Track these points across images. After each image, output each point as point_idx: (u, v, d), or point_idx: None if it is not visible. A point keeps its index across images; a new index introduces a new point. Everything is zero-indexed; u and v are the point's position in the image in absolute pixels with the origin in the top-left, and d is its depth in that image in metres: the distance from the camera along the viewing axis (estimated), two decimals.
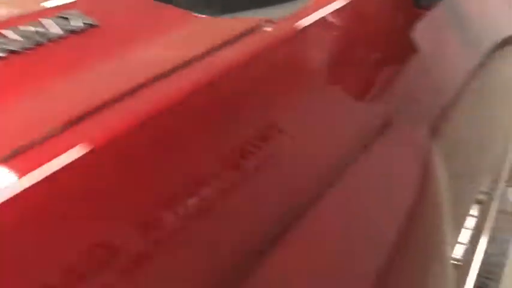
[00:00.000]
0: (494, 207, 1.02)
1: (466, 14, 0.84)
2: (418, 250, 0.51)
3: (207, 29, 0.40)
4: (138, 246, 0.26)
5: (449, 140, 0.62)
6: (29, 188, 0.23)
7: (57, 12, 0.37)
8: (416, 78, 0.60)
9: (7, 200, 0.22)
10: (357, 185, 0.43)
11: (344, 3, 0.48)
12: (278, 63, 0.39)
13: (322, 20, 0.45)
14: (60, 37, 0.35)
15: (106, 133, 0.27)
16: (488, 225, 0.96)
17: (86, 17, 0.38)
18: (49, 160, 0.24)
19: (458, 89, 0.69)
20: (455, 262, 0.70)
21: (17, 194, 0.22)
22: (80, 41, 0.35)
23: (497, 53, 0.95)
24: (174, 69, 0.32)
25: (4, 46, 0.33)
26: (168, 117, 0.30)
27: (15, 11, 0.40)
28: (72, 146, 0.25)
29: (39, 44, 0.34)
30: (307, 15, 0.43)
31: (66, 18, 0.37)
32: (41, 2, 0.41)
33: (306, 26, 0.42)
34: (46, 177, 0.24)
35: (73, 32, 0.36)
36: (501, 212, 1.40)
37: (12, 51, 0.33)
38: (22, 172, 0.23)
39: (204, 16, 0.42)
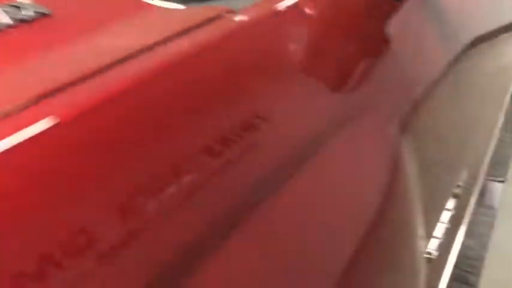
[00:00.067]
0: (472, 201, 1.03)
1: (443, 8, 0.84)
2: (386, 244, 0.51)
3: (163, 18, 0.39)
4: (104, 228, 0.26)
5: (420, 134, 0.62)
6: None
7: (9, 1, 0.36)
8: (389, 71, 0.60)
9: None
10: (320, 178, 0.42)
11: None
12: (237, 52, 0.39)
13: (286, 10, 0.44)
14: (8, 26, 0.34)
15: (70, 109, 0.27)
16: (466, 219, 0.96)
17: (38, 6, 0.36)
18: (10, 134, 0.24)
19: (433, 84, 0.69)
20: (429, 256, 0.70)
21: None
22: (28, 30, 0.34)
23: (474, 49, 0.95)
24: (123, 59, 0.31)
25: None
26: (124, 102, 0.30)
27: None
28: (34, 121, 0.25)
29: None
30: (271, 4, 0.43)
31: (18, 7, 0.36)
32: None
33: (266, 15, 0.41)
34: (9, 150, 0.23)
35: (23, 21, 0.35)
36: (481, 205, 1.40)
37: None
38: None
39: (163, 5, 0.41)
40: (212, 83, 0.36)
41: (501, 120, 1.46)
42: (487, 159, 1.17)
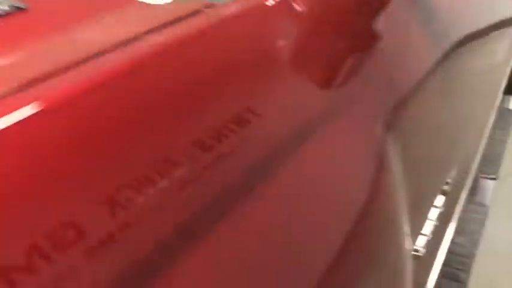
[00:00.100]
0: (462, 198, 1.03)
1: (433, 6, 0.84)
2: (370, 241, 0.51)
3: (143, 12, 0.39)
4: (93, 221, 0.26)
5: (407, 132, 0.62)
6: None
7: None
8: (375, 69, 0.60)
9: None
10: (305, 171, 0.42)
11: None
12: (220, 46, 0.39)
13: (274, 4, 0.44)
14: None
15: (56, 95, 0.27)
16: (456, 216, 0.96)
17: (14, 0, 0.36)
18: None
19: (420, 82, 0.69)
20: (417, 253, 0.70)
21: None
22: (2, 24, 0.34)
23: (464, 47, 0.95)
24: (105, 51, 0.31)
25: None
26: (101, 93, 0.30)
27: None
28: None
29: None
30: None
31: None
32: None
33: (253, 9, 0.41)
34: None
35: None
36: (473, 203, 1.41)
37: None
38: None
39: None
40: (194, 76, 0.36)
41: (492, 117, 1.46)
42: (477, 157, 1.17)
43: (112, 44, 0.33)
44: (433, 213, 0.77)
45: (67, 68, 0.30)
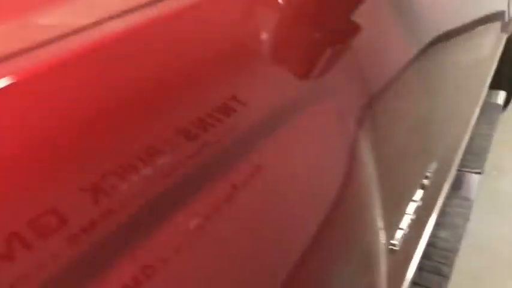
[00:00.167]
0: (443, 192, 1.03)
1: (412, 2, 0.83)
2: (341, 234, 0.51)
3: None
4: (75, 208, 0.26)
5: (380, 126, 0.61)
6: None
7: None
8: (351, 63, 0.59)
9: None
10: (276, 161, 0.42)
11: None
12: (194, 34, 0.39)
13: None
14: None
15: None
16: (437, 210, 0.96)
17: None
18: None
19: (396, 76, 0.68)
20: (393, 247, 0.70)
21: None
22: None
23: (447, 41, 0.95)
24: (72, 34, 0.31)
25: None
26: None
27: None
28: None
29: None
30: None
31: None
32: None
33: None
34: None
35: None
36: (457, 197, 1.41)
37: None
38: None
39: None
40: (172, 61, 0.37)
41: (477, 112, 1.46)
42: (460, 151, 1.17)
43: (84, 26, 0.33)
44: (412, 208, 0.77)
45: (45, 47, 0.30)
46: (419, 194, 0.80)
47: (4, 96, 0.27)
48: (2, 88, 0.27)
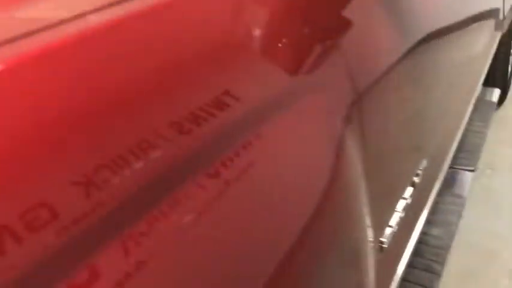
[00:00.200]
0: (434, 190, 1.03)
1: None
2: (327, 231, 0.50)
3: None
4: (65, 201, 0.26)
5: (369, 123, 0.61)
6: None
7: None
8: (340, 58, 0.59)
9: None
10: (264, 154, 0.41)
11: None
12: (186, 28, 0.39)
13: None
14: None
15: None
16: (427, 207, 0.96)
17: None
18: None
19: (386, 73, 0.68)
20: (381, 245, 0.70)
21: None
22: None
23: (440, 39, 0.95)
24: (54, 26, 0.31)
25: None
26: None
27: None
28: None
29: None
30: None
31: None
32: None
33: None
34: None
35: None
36: (451, 194, 1.41)
37: None
38: None
39: None
40: (163, 55, 0.37)
41: (470, 109, 1.46)
42: (452, 148, 1.17)
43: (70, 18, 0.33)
44: (401, 205, 0.77)
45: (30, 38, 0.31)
46: (409, 191, 0.80)
47: None
48: None
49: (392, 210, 0.75)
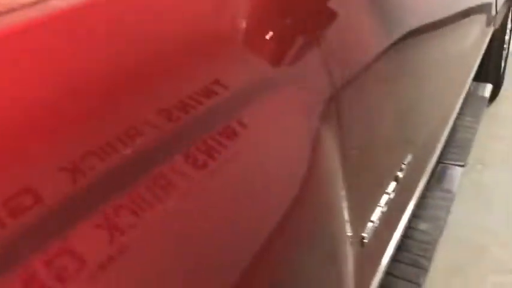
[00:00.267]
0: (421, 184, 1.02)
1: None
2: (304, 226, 0.50)
3: None
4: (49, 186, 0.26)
5: (348, 117, 0.61)
6: None
7: None
8: (319, 51, 0.58)
9: None
10: (231, 154, 0.41)
11: None
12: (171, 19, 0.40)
13: None
14: None
15: None
16: (413, 202, 0.96)
17: None
18: None
19: (368, 66, 0.68)
20: (362, 240, 0.69)
21: None
22: None
23: (421, 35, 0.95)
24: None
25: None
26: None
27: None
28: None
29: None
30: None
31: None
32: None
33: None
34: None
35: None
36: (439, 189, 1.41)
37: None
38: None
39: None
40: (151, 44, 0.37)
41: (459, 104, 1.46)
42: (440, 144, 1.17)
43: None
44: (384, 200, 0.77)
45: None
46: (392, 186, 0.80)
47: None
48: None
49: (374, 205, 0.75)
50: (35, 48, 0.31)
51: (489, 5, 1.85)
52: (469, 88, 2.12)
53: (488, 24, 1.90)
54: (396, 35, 0.80)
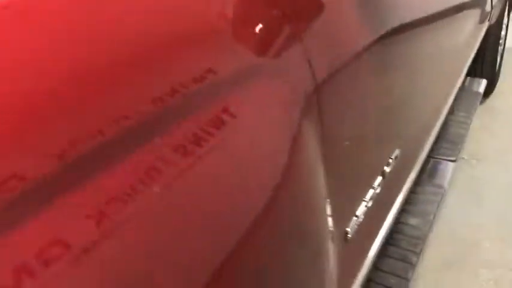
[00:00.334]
0: (410, 179, 1.02)
1: None
2: (284, 222, 0.50)
3: None
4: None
5: (330, 111, 0.60)
6: None
7: None
8: (302, 44, 0.58)
9: None
10: (212, 147, 0.41)
11: None
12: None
13: None
14: None
15: None
16: (400, 198, 0.95)
17: None
18: None
19: (350, 64, 0.67)
20: (347, 235, 0.69)
21: None
22: None
23: (412, 29, 0.94)
24: None
25: None
26: None
27: None
28: None
29: None
30: None
31: None
32: None
33: None
34: None
35: None
36: (431, 185, 1.41)
37: None
38: None
39: None
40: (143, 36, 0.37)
41: (451, 99, 1.46)
42: (430, 139, 1.16)
43: None
44: (369, 195, 0.76)
45: None
46: (378, 181, 0.80)
47: None
48: None
49: (359, 200, 0.75)
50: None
51: (484, 0, 1.84)
52: (464, 83, 2.12)
53: (483, 19, 1.89)
54: (385, 29, 0.80)
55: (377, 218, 0.84)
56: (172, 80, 0.38)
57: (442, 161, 1.53)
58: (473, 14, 1.65)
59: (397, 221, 1.21)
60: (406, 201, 1.29)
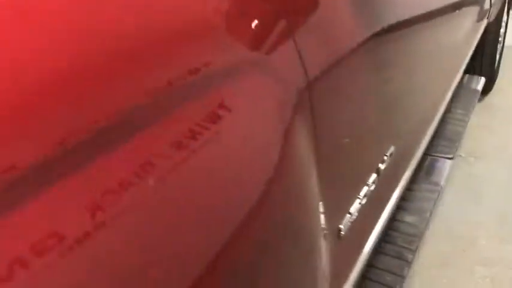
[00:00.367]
0: (405, 176, 1.02)
1: None
2: (275, 218, 0.50)
3: None
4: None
5: (323, 109, 0.60)
6: None
7: None
8: (294, 41, 0.58)
9: None
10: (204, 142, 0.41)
11: None
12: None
13: None
14: None
15: None
16: (395, 195, 0.95)
17: None
18: None
19: (343, 61, 0.67)
20: (340, 232, 0.69)
21: None
22: None
23: (409, 26, 0.94)
24: None
25: None
26: None
27: None
28: None
29: None
30: None
31: None
32: None
33: None
34: None
35: None
36: (427, 182, 1.41)
37: None
38: None
39: None
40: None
41: (448, 97, 1.46)
42: (426, 136, 1.16)
43: None
44: (363, 192, 0.76)
45: None
46: (372, 178, 0.80)
47: None
48: None
49: (353, 197, 0.75)
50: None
51: None
52: (462, 81, 2.12)
53: (481, 16, 1.88)
54: (380, 26, 0.80)
55: (371, 215, 0.84)
56: (166, 74, 0.38)
57: (439, 158, 1.53)
58: (472, 12, 1.65)
59: (393, 219, 1.21)
60: (402, 199, 1.29)
